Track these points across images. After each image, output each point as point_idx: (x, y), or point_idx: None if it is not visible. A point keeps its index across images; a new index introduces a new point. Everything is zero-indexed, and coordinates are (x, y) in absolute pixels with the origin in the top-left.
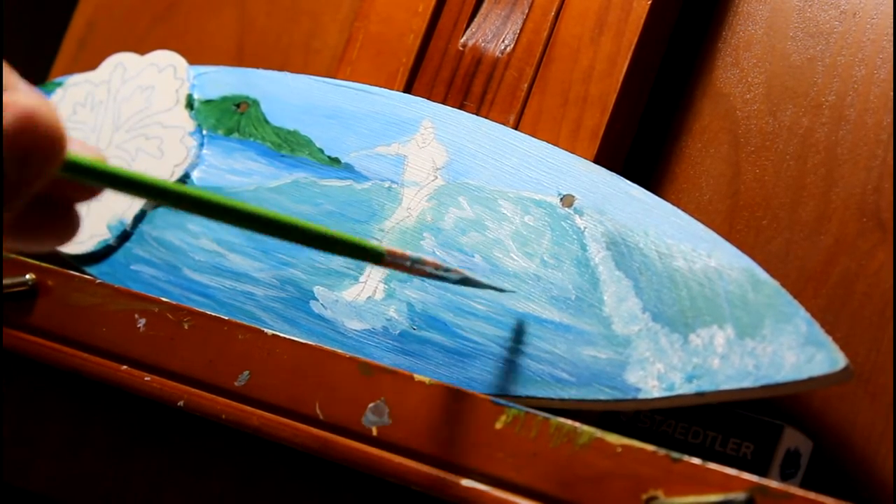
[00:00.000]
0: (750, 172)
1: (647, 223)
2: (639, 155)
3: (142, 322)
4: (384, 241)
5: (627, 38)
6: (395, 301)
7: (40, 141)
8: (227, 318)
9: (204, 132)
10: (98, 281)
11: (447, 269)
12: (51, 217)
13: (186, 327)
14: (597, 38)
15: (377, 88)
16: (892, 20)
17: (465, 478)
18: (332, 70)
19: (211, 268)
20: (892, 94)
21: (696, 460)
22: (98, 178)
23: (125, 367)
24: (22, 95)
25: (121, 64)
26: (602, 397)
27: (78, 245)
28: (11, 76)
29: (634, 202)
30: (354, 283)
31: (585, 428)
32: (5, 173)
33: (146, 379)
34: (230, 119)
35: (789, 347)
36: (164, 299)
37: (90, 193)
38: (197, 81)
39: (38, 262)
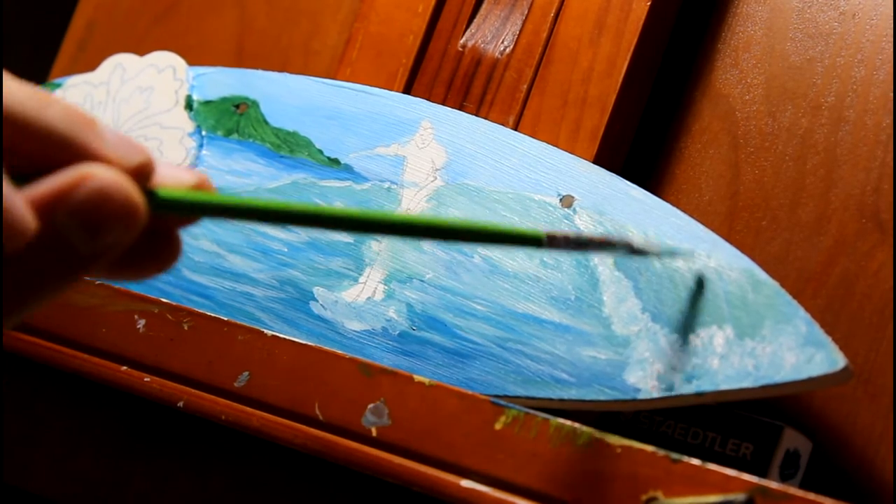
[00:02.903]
0: (749, 173)
1: (646, 224)
2: (638, 156)
3: (141, 323)
4: (383, 242)
5: (627, 40)
6: (394, 302)
7: (112, 217)
8: (226, 318)
9: (203, 133)
10: (97, 282)
11: (610, 241)
12: (153, 247)
13: (186, 328)
14: (596, 40)
15: (376, 89)
16: (891, 21)
17: (464, 478)
18: (332, 71)
19: (210, 269)
20: (891, 95)
21: (695, 461)
22: (193, 210)
23: (125, 367)
24: (99, 170)
25: (120, 65)
26: (602, 398)
27: None
28: (95, 128)
29: (634, 202)
30: (354, 284)
31: (585, 429)
32: (76, 245)
33: (146, 380)
34: (229, 120)
35: (789, 348)
36: (163, 300)
37: (189, 220)
38: (196, 82)
39: None
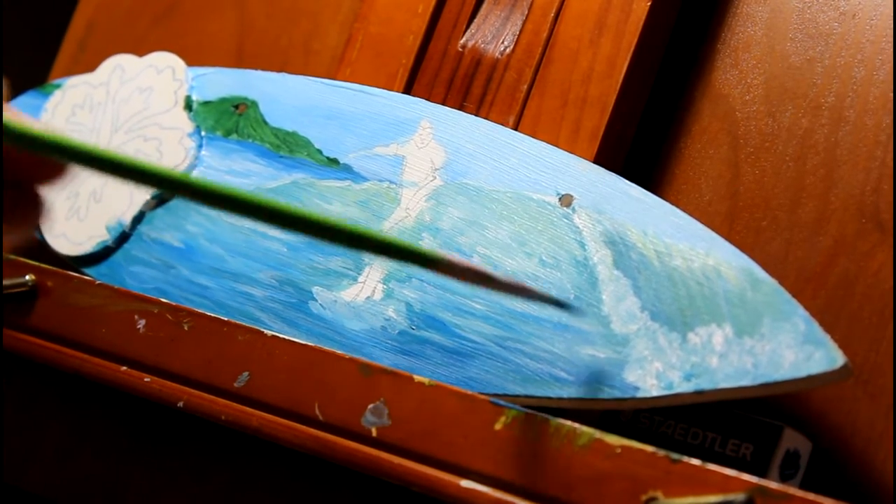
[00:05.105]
0: (749, 174)
1: (645, 222)
2: (638, 156)
3: (142, 323)
4: None
5: (627, 40)
6: (393, 301)
7: None
8: (226, 318)
9: (202, 133)
10: (98, 282)
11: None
12: (15, 202)
13: (186, 328)
14: (596, 40)
15: (375, 89)
16: (891, 21)
17: (464, 478)
18: (332, 71)
19: (210, 269)
20: (891, 95)
21: (695, 461)
22: (34, 146)
23: (125, 367)
24: None
25: (119, 66)
26: (601, 396)
27: (77, 246)
28: None
29: (633, 201)
30: (353, 284)
31: (585, 429)
32: None
33: (146, 380)
34: (229, 120)
35: (788, 346)
36: (163, 300)
37: (51, 174)
38: (195, 83)
39: (37, 264)
